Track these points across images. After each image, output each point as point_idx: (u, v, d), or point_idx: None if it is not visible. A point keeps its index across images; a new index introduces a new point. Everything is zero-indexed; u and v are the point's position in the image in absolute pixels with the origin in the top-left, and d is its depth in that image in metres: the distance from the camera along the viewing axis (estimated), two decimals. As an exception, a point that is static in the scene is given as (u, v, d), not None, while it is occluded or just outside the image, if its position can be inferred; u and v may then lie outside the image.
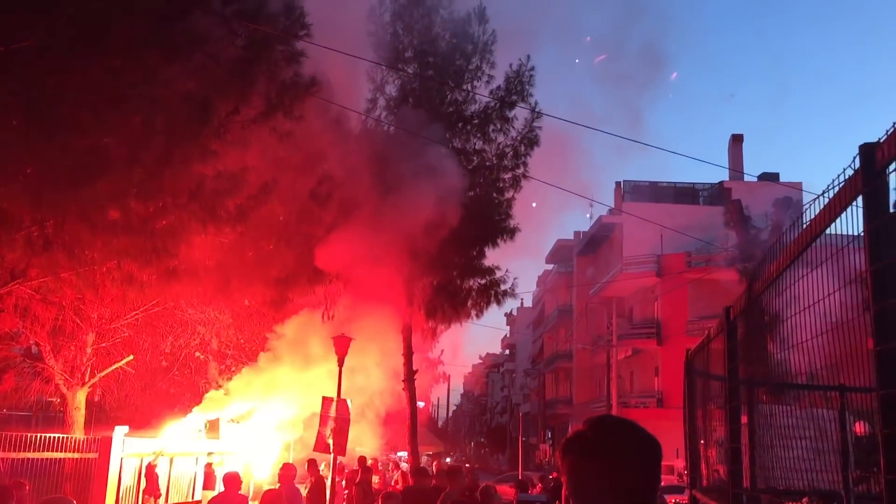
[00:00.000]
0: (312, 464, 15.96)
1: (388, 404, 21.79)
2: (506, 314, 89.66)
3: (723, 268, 35.58)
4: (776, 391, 4.16)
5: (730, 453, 4.51)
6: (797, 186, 36.27)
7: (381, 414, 21.97)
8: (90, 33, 10.23)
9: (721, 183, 45.15)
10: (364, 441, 21.94)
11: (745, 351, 4.50)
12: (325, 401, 16.29)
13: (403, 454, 26.81)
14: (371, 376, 19.74)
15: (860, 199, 2.28)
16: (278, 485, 11.46)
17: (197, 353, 20.29)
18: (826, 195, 2.65)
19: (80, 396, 17.69)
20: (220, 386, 18.91)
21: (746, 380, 4.46)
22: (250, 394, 17.96)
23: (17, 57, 9.75)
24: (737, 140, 48.31)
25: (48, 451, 14.60)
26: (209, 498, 13.05)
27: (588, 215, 51.36)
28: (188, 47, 11.45)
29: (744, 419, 4.50)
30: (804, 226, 2.99)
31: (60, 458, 14.90)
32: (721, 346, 4.86)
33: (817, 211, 2.78)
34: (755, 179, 41.12)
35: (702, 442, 6.47)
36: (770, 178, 41.19)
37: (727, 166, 44.42)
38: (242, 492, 11.87)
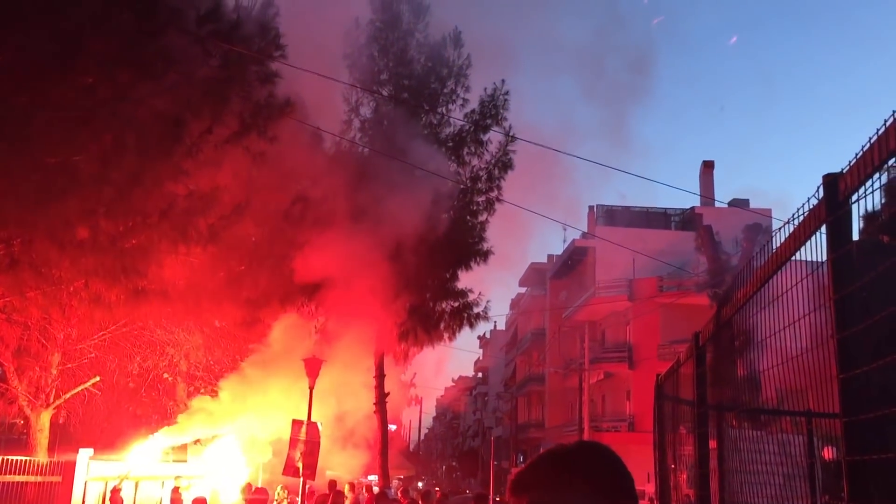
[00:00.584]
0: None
1: (360, 426, 21.62)
2: (479, 337, 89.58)
3: (694, 292, 35.85)
4: (745, 416, 4.18)
5: (699, 478, 4.51)
6: (766, 213, 36.75)
7: (357, 435, 21.81)
8: (61, 51, 10.14)
9: (693, 208, 45.62)
10: (336, 464, 21.73)
11: (714, 376, 4.51)
12: (295, 423, 16.12)
13: (374, 478, 26.54)
14: (345, 397, 19.58)
15: (824, 227, 2.31)
16: None
17: (165, 375, 20.00)
18: (792, 223, 2.68)
19: (45, 418, 17.35)
20: (187, 408, 18.65)
21: (715, 405, 4.47)
22: (216, 415, 17.71)
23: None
24: (707, 166, 48.88)
25: (9, 474, 14.30)
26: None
27: (562, 239, 51.60)
28: (161, 66, 11.39)
29: (713, 444, 4.51)
30: (771, 252, 3.02)
31: (22, 482, 14.60)
32: (691, 370, 4.88)
33: (783, 239, 2.81)
34: (725, 205, 41.59)
35: (672, 466, 6.48)
36: (740, 204, 41.68)
37: (698, 192, 44.92)
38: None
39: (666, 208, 49.07)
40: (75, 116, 10.52)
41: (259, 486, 18.17)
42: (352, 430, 21.26)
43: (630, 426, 39.81)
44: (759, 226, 34.58)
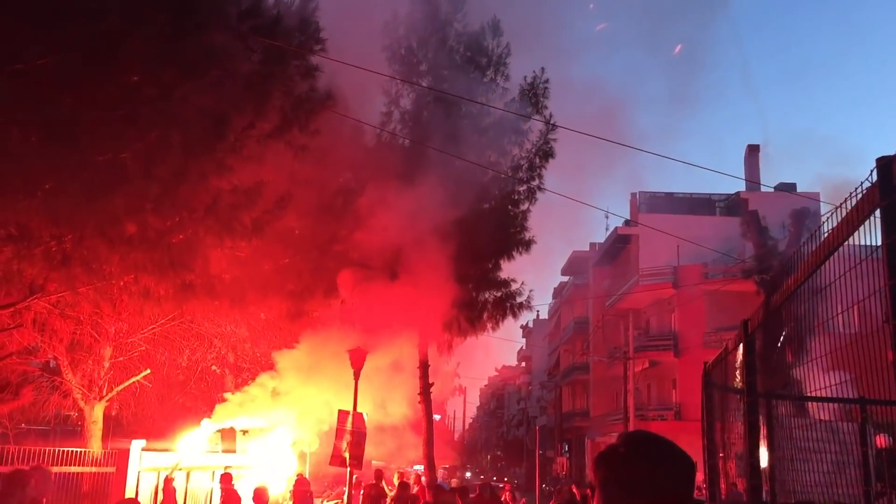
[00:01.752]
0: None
1: (404, 417, 21.76)
2: (522, 326, 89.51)
3: (740, 279, 35.32)
4: (796, 404, 4.12)
5: (749, 468, 4.46)
6: (814, 197, 35.99)
7: (402, 426, 21.99)
8: (105, 50, 10.33)
9: (737, 193, 44.91)
10: (381, 454, 21.90)
11: (763, 363, 4.45)
12: (342, 414, 16.29)
13: (420, 467, 26.72)
14: (389, 387, 19.71)
15: (879, 211, 2.26)
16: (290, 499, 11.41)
17: (213, 367, 20.34)
18: (844, 207, 2.63)
19: (98, 410, 17.76)
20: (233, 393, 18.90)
21: (765, 393, 4.41)
22: (263, 404, 17.91)
23: (35, 75, 9.86)
24: (753, 150, 48.07)
25: (66, 465, 14.69)
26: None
27: (604, 227, 51.24)
28: (204, 63, 11.53)
29: (763, 432, 4.45)
30: (822, 238, 2.96)
31: (78, 473, 14.99)
32: (739, 358, 4.82)
33: (835, 223, 2.75)
34: (772, 190, 40.86)
35: (720, 455, 6.41)
36: (787, 188, 40.91)
37: (743, 177, 44.23)
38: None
39: (710, 194, 48.39)
40: (121, 115, 10.71)
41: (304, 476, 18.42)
42: (397, 420, 21.40)
43: (676, 414, 39.48)
44: (807, 210, 33.87)
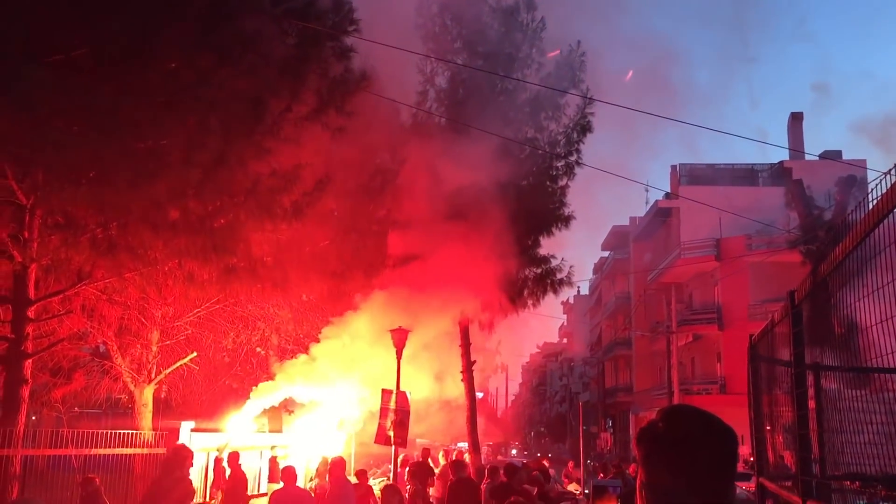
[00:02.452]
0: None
1: (447, 395, 21.87)
2: (562, 302, 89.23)
3: (785, 250, 34.77)
4: (846, 375, 4.04)
5: (798, 440, 4.40)
6: (861, 164, 35.19)
7: (447, 404, 22.12)
8: (143, 38, 10.44)
9: (781, 163, 44.07)
10: (426, 432, 22.04)
11: (811, 335, 4.38)
12: (385, 393, 16.41)
13: (464, 445, 26.90)
14: (432, 366, 19.78)
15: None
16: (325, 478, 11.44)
17: (258, 349, 20.60)
18: (893, 173, 2.55)
19: (147, 393, 18.14)
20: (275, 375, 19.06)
21: (813, 364, 4.34)
22: (308, 378, 17.98)
23: (75, 64, 10.01)
24: (797, 118, 47.07)
25: (118, 447, 15.05)
26: (273, 491, 13.29)
27: (644, 201, 50.71)
28: (240, 48, 11.60)
29: (811, 404, 4.38)
30: (871, 205, 2.89)
31: (130, 454, 15.34)
32: (786, 330, 4.74)
33: (884, 189, 2.68)
34: (816, 158, 39.99)
35: (768, 428, 6.34)
36: (832, 156, 40.02)
37: (787, 146, 43.36)
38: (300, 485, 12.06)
39: (753, 164, 47.57)
40: (160, 102, 10.84)
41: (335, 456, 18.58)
42: (453, 395, 21.54)
43: (721, 388, 39.11)
44: (853, 178, 33.15)
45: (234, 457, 15.31)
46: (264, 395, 17.72)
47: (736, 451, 1.64)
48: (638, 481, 1.67)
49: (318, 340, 18.27)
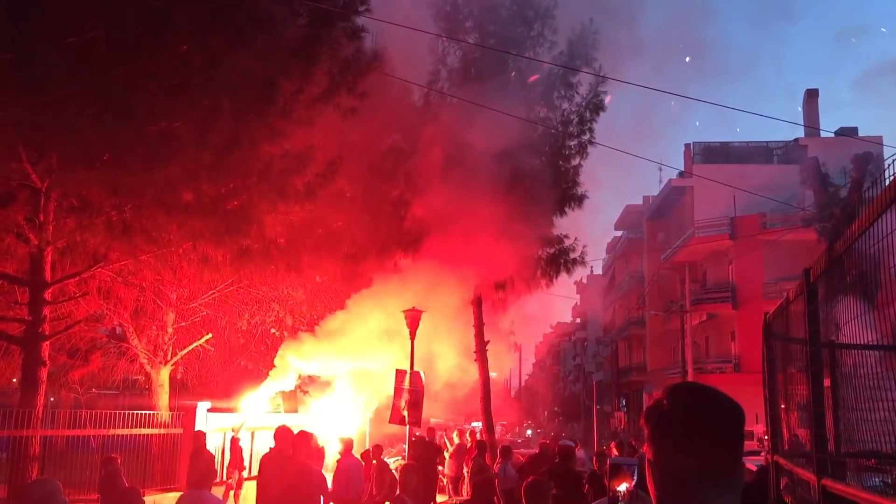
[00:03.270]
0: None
1: (461, 374, 21.94)
2: (576, 282, 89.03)
3: (800, 228, 34.52)
4: (862, 353, 4.02)
5: (814, 417, 4.39)
6: (877, 141, 34.83)
7: (459, 383, 22.17)
8: (155, 21, 10.43)
9: (796, 140, 43.66)
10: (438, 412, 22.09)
11: (826, 313, 4.36)
12: (399, 373, 16.47)
13: (478, 424, 27.01)
14: (444, 345, 19.83)
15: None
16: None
17: (272, 330, 20.73)
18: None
19: (164, 374, 18.31)
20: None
21: (829, 342, 4.32)
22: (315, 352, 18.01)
23: (88, 48, 10.02)
24: (812, 95, 46.58)
25: (136, 427, 15.22)
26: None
27: (657, 179, 50.39)
28: (251, 29, 11.57)
29: (827, 382, 4.37)
30: (887, 182, 2.86)
31: (148, 434, 15.52)
32: (801, 308, 4.72)
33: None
34: (832, 135, 39.58)
35: (783, 406, 6.33)
36: (848, 133, 39.60)
37: (802, 123, 42.96)
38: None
39: (767, 141, 47.13)
40: (173, 84, 10.84)
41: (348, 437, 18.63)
42: (453, 378, 21.58)
43: (736, 367, 39.02)
44: (869, 155, 32.77)
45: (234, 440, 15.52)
46: (282, 376, 17.81)
47: (743, 426, 1.64)
48: (647, 459, 1.67)
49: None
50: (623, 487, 2.63)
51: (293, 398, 20.30)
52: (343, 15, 13.31)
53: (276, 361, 18.03)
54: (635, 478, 2.65)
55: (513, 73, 20.51)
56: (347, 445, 10.96)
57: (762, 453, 8.01)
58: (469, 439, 19.36)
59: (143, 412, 15.96)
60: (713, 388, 1.71)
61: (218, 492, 15.14)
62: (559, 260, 21.80)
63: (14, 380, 17.28)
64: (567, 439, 14.81)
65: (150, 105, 10.66)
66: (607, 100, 20.88)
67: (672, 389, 1.70)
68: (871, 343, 3.81)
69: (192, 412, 16.52)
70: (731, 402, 1.66)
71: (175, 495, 13.32)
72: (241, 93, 11.56)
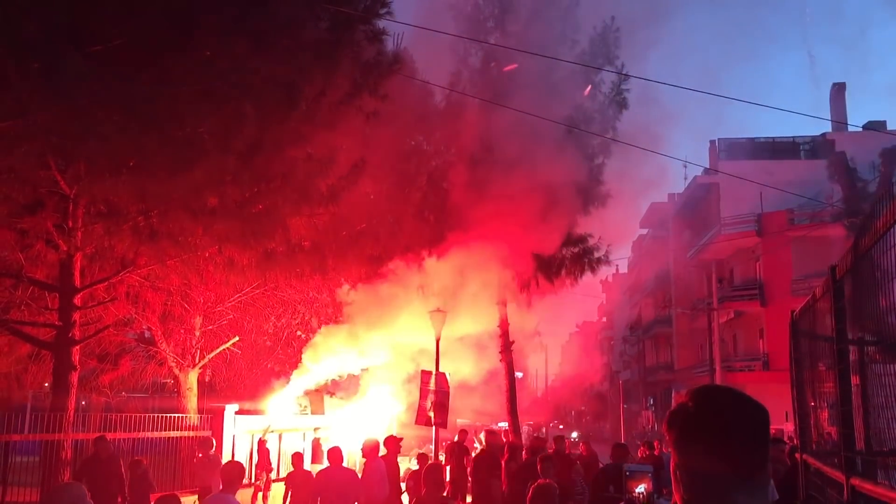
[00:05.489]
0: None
1: (487, 375, 21.94)
2: (601, 281, 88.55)
3: (829, 224, 34.11)
4: (889, 350, 3.96)
5: (841, 416, 4.34)
6: (906, 134, 34.34)
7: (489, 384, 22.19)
8: (178, 27, 10.53)
9: (823, 135, 43.14)
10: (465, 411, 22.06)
11: (854, 310, 4.30)
12: (424, 374, 16.50)
13: (504, 424, 26.97)
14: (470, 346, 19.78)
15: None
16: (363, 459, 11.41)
17: (298, 332, 20.84)
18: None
19: (192, 377, 18.47)
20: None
21: (856, 340, 4.27)
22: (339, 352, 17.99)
23: (113, 55, 10.14)
24: (839, 89, 45.98)
25: (165, 430, 15.37)
26: (317, 471, 13.43)
27: (682, 177, 49.99)
28: (273, 34, 11.65)
29: (855, 380, 4.32)
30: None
31: (177, 437, 15.66)
32: (828, 305, 4.67)
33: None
34: (860, 129, 39.07)
35: (812, 404, 6.26)
36: (876, 126, 39.04)
37: (829, 117, 42.41)
38: (348, 465, 12.21)
39: (794, 137, 46.59)
40: (197, 90, 10.94)
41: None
42: (481, 378, 21.57)
43: (764, 365, 38.60)
44: (899, 148, 32.35)
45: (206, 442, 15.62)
46: (302, 378, 17.85)
47: (769, 427, 1.64)
48: (672, 464, 1.67)
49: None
50: (642, 489, 2.62)
51: (319, 400, 20.39)
52: (364, 18, 13.37)
53: (303, 357, 18.04)
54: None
55: (535, 73, 20.45)
56: (374, 447, 10.93)
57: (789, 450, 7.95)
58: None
59: (173, 415, 16.11)
60: (736, 390, 1.71)
61: (247, 494, 15.29)
62: (583, 259, 21.73)
63: (46, 384, 17.52)
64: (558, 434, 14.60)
65: (174, 111, 10.76)
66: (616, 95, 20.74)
67: (696, 392, 1.69)
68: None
69: (220, 415, 16.66)
70: (755, 403, 1.67)
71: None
72: (264, 97, 11.64)
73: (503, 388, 22.14)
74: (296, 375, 18.03)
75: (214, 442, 14.56)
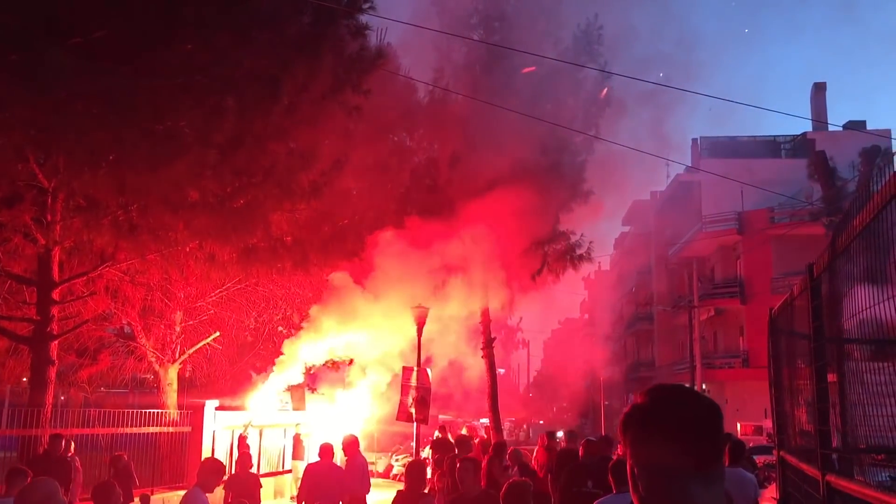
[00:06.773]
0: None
1: (468, 371, 21.95)
2: (583, 278, 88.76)
3: (808, 222, 34.38)
4: (866, 347, 4.00)
5: (818, 413, 4.38)
6: (885, 134, 34.66)
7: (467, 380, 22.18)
8: (160, 20, 10.44)
9: (804, 134, 43.47)
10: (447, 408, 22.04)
11: (831, 308, 4.33)
12: (406, 370, 16.47)
13: (485, 421, 27.03)
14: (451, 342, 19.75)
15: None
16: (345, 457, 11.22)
17: (280, 328, 20.75)
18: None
19: (172, 372, 18.35)
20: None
21: (833, 338, 4.30)
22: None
23: (92, 47, 10.04)
24: (819, 88, 46.33)
25: (144, 426, 15.27)
26: (298, 467, 13.37)
27: (665, 175, 50.24)
28: (256, 28, 11.58)
29: (832, 377, 4.35)
30: (891, 173, 2.84)
31: (156, 433, 15.56)
32: (805, 303, 4.70)
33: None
34: (840, 129, 39.38)
35: (789, 401, 6.31)
36: (856, 126, 39.38)
37: (810, 117, 42.75)
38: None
39: (775, 136, 46.94)
40: (177, 84, 10.85)
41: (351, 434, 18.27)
42: (461, 375, 21.58)
43: (744, 362, 38.89)
44: (877, 148, 32.63)
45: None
46: (283, 373, 17.76)
47: (721, 420, 1.70)
48: (628, 465, 1.69)
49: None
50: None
51: (301, 396, 20.33)
52: (347, 13, 13.31)
53: (283, 349, 17.92)
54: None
55: (517, 70, 20.47)
56: (353, 443, 10.81)
57: (773, 451, 8.00)
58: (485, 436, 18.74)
59: (152, 411, 16.01)
60: (688, 387, 1.78)
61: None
62: (566, 256, 21.79)
63: (24, 379, 17.35)
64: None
65: (155, 104, 10.68)
66: (602, 93, 20.82)
67: (651, 391, 1.74)
68: (877, 338, 3.79)
69: (200, 410, 16.58)
70: (708, 399, 1.74)
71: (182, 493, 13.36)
72: (245, 91, 11.57)
73: (485, 385, 22.15)
74: (277, 370, 17.94)
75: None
